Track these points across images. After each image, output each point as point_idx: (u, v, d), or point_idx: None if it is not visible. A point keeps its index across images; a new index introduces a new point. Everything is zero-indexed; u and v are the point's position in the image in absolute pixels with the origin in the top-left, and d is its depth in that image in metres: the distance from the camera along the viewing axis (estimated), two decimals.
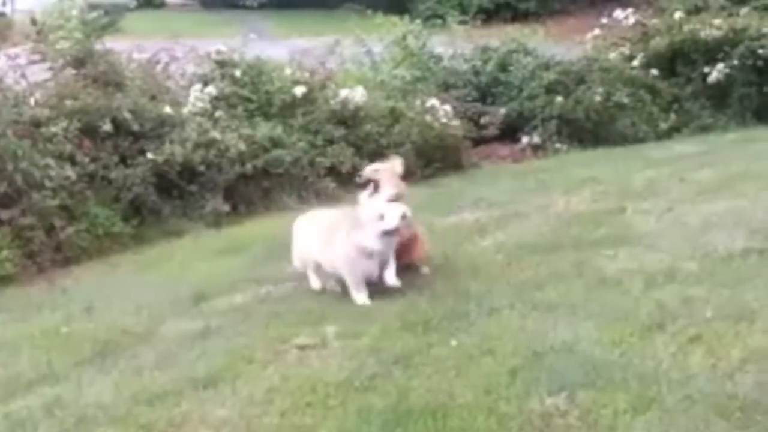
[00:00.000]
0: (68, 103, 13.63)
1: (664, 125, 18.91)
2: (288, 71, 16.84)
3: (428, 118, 16.76)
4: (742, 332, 6.51)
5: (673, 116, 19.15)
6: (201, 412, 6.37)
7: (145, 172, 13.44)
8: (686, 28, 19.76)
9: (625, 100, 18.68)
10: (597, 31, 21.09)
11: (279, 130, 15.39)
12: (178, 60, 16.74)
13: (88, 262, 12.37)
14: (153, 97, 14.92)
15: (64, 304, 10.04)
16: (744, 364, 5.97)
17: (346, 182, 15.29)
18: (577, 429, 5.36)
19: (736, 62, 18.88)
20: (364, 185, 8.34)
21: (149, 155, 13.62)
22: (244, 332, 7.98)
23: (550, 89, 18.68)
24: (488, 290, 8.09)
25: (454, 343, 6.87)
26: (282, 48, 18.98)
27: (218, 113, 15.45)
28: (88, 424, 6.38)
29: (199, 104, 15.37)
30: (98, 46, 15.49)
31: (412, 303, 8.04)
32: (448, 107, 17.17)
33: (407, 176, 15.69)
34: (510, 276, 8.55)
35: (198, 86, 15.70)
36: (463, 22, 22.15)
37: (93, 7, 21.06)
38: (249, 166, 14.46)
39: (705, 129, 18.70)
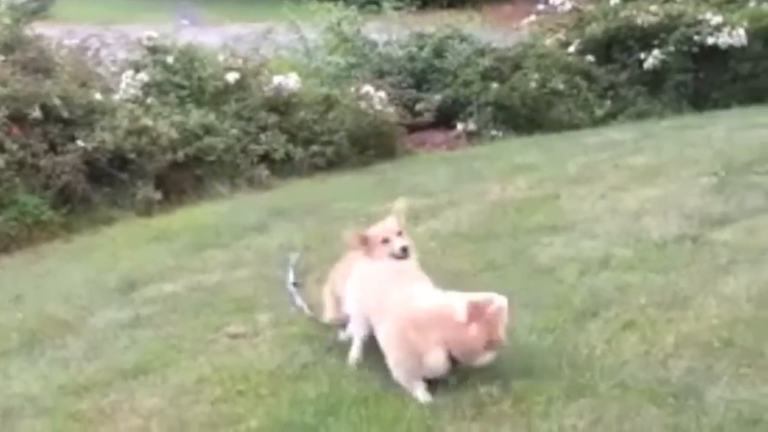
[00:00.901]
0: None
1: (599, 112, 18.93)
2: (221, 58, 16.63)
3: (363, 104, 16.63)
4: (675, 319, 6.54)
5: (608, 103, 19.17)
6: (131, 401, 6.29)
7: (75, 160, 13.19)
8: (622, 14, 19.74)
9: (561, 87, 18.67)
10: (533, 17, 21.00)
11: (211, 117, 15.19)
12: (109, 46, 16.48)
13: (16, 251, 12.15)
14: (83, 84, 14.65)
15: None
16: (677, 350, 5.99)
17: (280, 170, 15.18)
18: (510, 416, 5.34)
19: (672, 49, 18.90)
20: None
21: (79, 142, 13.36)
22: (174, 321, 7.89)
23: (486, 76, 18.62)
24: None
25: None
26: (214, 35, 18.77)
27: (150, 100, 15.22)
28: (15, 415, 6.29)
29: (131, 91, 15.14)
30: (27, 32, 15.21)
31: None
32: (382, 94, 17.05)
33: (342, 163, 15.86)
34: (444, 264, 8.51)
35: (129, 73, 15.46)
36: (398, 8, 21.98)
37: None
38: (181, 154, 14.25)
39: (641, 115, 18.73)
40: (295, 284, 8.06)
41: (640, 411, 5.23)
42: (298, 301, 7.67)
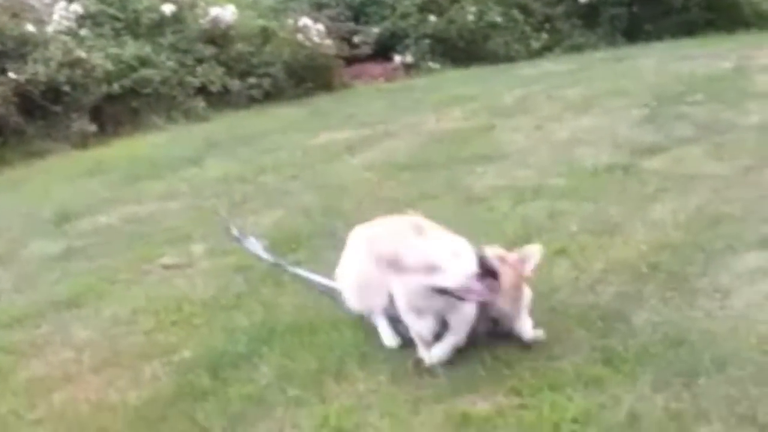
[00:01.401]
0: None
1: (536, 44, 19.04)
2: None
3: (300, 37, 16.57)
4: (605, 245, 6.60)
5: (544, 35, 19.29)
6: (63, 333, 6.25)
7: (6, 92, 13.03)
8: None
9: (498, 20, 18.74)
10: None
11: (147, 50, 15.09)
12: None
13: None
14: (14, 15, 14.45)
15: None
16: (606, 276, 6.05)
17: (216, 102, 15.12)
18: None
19: None
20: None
21: (11, 75, 13.21)
22: (107, 253, 7.84)
23: (423, 8, 18.64)
24: (357, 208, 8.05)
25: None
26: None
27: (84, 32, 15.08)
28: None
29: (64, 23, 14.97)
30: None
31: (281, 220, 7.99)
32: (320, 26, 16.99)
33: (278, 95, 15.79)
34: (380, 193, 8.54)
35: (62, 4, 15.26)
36: None
37: None
38: (116, 86, 14.16)
39: (576, 48, 18.85)
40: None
41: (570, 334, 5.27)
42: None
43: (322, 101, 15.35)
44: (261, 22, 16.93)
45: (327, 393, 4.94)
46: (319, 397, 4.91)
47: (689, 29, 18.84)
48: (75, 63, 13.79)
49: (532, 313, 5.41)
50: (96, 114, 14.03)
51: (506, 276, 5.13)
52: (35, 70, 13.30)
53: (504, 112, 11.73)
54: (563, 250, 6.55)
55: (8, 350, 6.04)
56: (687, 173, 8.17)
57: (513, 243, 6.63)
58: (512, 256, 5.29)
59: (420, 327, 5.15)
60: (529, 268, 5.27)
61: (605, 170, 8.42)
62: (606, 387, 4.70)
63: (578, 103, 11.75)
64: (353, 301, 5.68)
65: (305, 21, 16.93)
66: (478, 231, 7.04)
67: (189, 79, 15.15)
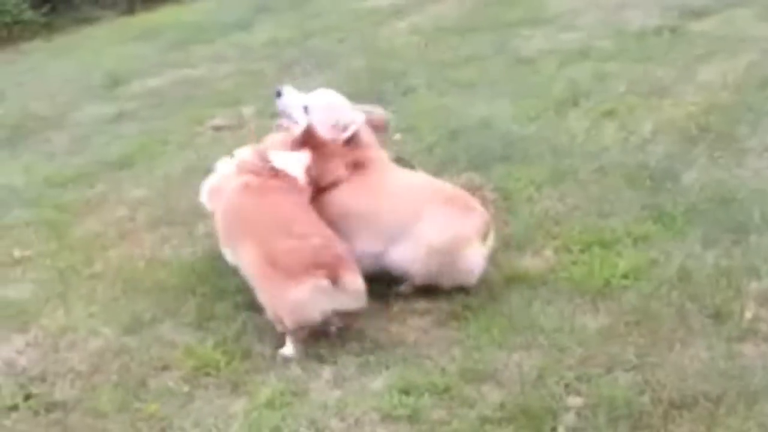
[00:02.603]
0: None
1: None
2: None
3: None
4: (653, 106, 6.60)
5: None
6: (117, 192, 6.35)
7: None
8: None
9: None
10: None
11: None
12: None
13: None
14: None
15: None
16: (655, 136, 6.07)
17: None
18: (493, 201, 5.40)
19: None
20: None
21: None
22: (159, 115, 7.93)
23: None
24: (405, 70, 8.07)
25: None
26: None
27: None
28: (2, 206, 6.31)
29: None
30: None
31: (329, 82, 7.94)
32: None
33: None
34: (427, 56, 8.52)
35: None
36: None
37: None
38: None
39: None
40: None
41: (619, 193, 5.31)
42: None
43: None
44: None
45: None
46: None
47: None
48: None
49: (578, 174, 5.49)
50: None
51: None
52: None
53: None
54: (611, 111, 6.55)
55: (64, 208, 6.14)
56: (736, 35, 8.08)
57: (562, 104, 6.68)
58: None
59: None
60: None
61: (653, 32, 8.34)
62: (656, 244, 4.76)
63: None
64: None
65: None
66: (525, 92, 7.08)
67: None
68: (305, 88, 7.62)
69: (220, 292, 4.68)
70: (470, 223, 4.51)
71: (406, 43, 9.10)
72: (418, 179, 4.85)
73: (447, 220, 4.49)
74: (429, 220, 4.47)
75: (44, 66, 10.79)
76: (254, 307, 4.29)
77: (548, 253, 4.82)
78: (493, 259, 4.70)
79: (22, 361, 4.38)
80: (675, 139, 5.99)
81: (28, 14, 12.79)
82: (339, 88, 7.40)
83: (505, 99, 6.98)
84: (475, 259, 4.50)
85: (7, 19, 12.52)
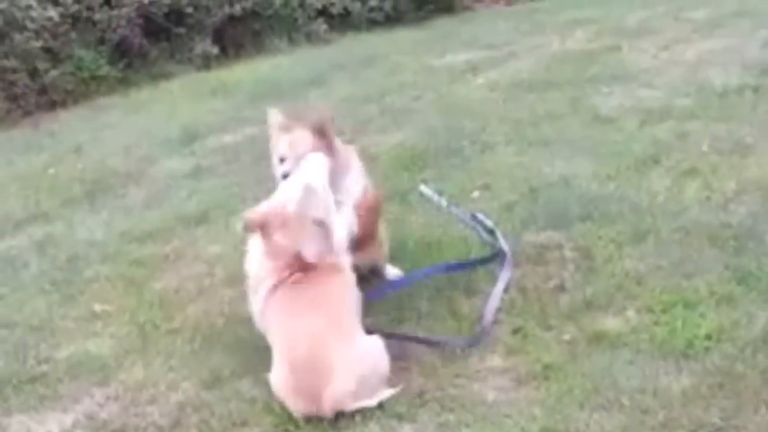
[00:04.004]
0: None
1: None
2: None
3: None
4: (736, 165, 6.49)
5: None
6: (194, 248, 6.38)
7: (130, 14, 13.17)
8: None
9: None
10: None
11: None
12: None
13: (73, 106, 12.26)
14: None
15: (50, 146, 9.98)
16: (738, 195, 5.96)
17: (337, 25, 15.11)
18: (573, 260, 5.34)
19: None
20: None
21: None
22: (235, 171, 7.96)
23: None
24: (483, 127, 8.04)
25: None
26: None
27: None
28: (80, 261, 6.38)
29: None
30: None
31: (406, 139, 8.00)
32: None
33: (400, 18, 15.71)
34: (504, 113, 8.49)
35: None
36: None
37: None
38: (238, 8, 14.20)
39: None
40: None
41: (702, 253, 5.22)
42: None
43: (444, 24, 15.27)
44: None
45: (457, 307, 4.97)
46: (450, 311, 4.94)
47: None
48: None
49: (659, 233, 5.45)
50: (218, 37, 14.14)
51: None
52: None
53: (629, 34, 11.54)
54: (693, 170, 6.46)
55: (142, 263, 6.19)
56: None
57: (643, 163, 6.61)
58: None
59: None
60: None
61: (734, 91, 8.24)
62: (739, 305, 4.65)
63: (704, 24, 11.53)
64: None
65: None
66: (605, 151, 7.02)
67: (310, 1, 15.13)
68: (383, 144, 7.70)
69: None
70: None
71: (482, 99, 9.09)
72: None
73: None
74: None
75: (121, 121, 10.91)
76: None
77: (630, 313, 4.73)
78: (574, 318, 4.67)
79: (103, 414, 4.41)
80: (758, 198, 5.88)
81: (105, 69, 12.94)
82: (416, 145, 7.46)
83: (584, 157, 6.92)
84: None
85: (85, 74, 12.68)
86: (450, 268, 5.39)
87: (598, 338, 4.51)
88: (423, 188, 6.64)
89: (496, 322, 4.79)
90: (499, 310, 4.87)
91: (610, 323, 4.66)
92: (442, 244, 5.76)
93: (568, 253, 5.44)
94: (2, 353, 5.03)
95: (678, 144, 7.05)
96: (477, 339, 4.64)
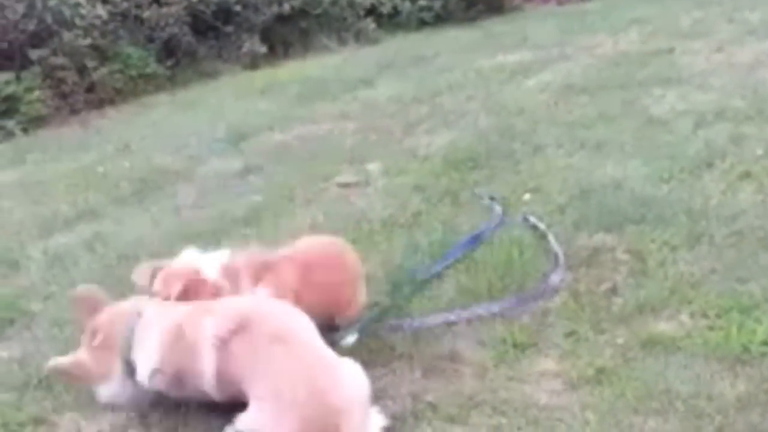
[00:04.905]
0: None
1: None
2: None
3: None
4: None
5: None
6: (243, 248, 6.32)
7: (179, 12, 13.22)
8: None
9: None
10: None
11: None
12: None
13: (121, 104, 12.34)
14: None
15: (98, 144, 10.03)
16: None
17: (386, 24, 15.10)
18: (626, 263, 5.28)
19: None
20: None
21: None
22: (284, 171, 7.94)
23: None
24: (533, 129, 7.98)
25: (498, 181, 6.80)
26: None
27: None
28: (130, 259, 6.34)
29: None
30: None
31: (456, 140, 7.95)
32: None
33: (449, 18, 15.67)
34: (556, 115, 8.42)
35: None
36: None
37: None
38: (286, 6, 14.23)
39: None
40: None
41: (757, 257, 5.13)
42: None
43: (493, 24, 15.22)
44: None
45: (509, 311, 4.91)
46: (501, 315, 4.89)
47: None
48: None
49: (713, 237, 5.37)
50: (266, 35, 14.16)
51: None
52: None
53: (682, 35, 11.43)
54: (748, 173, 6.35)
55: None
56: None
57: (697, 166, 6.52)
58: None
59: None
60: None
61: None
62: None
63: (759, 26, 11.37)
64: None
65: None
66: (658, 153, 6.93)
67: (359, 0, 15.14)
68: (433, 145, 7.65)
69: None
70: None
71: (533, 101, 9.02)
72: None
73: None
74: None
75: (168, 119, 10.95)
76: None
77: (683, 317, 4.65)
78: (626, 322, 4.61)
79: (156, 414, 4.38)
80: None
81: (153, 67, 13.01)
82: (467, 147, 7.41)
83: (637, 159, 6.84)
84: None
85: (132, 72, 12.74)
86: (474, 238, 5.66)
87: (651, 342, 4.44)
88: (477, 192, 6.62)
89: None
90: (551, 312, 4.83)
91: (664, 327, 4.58)
92: (494, 246, 5.71)
93: (620, 256, 5.38)
94: (54, 351, 5.00)
95: (732, 147, 6.94)
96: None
